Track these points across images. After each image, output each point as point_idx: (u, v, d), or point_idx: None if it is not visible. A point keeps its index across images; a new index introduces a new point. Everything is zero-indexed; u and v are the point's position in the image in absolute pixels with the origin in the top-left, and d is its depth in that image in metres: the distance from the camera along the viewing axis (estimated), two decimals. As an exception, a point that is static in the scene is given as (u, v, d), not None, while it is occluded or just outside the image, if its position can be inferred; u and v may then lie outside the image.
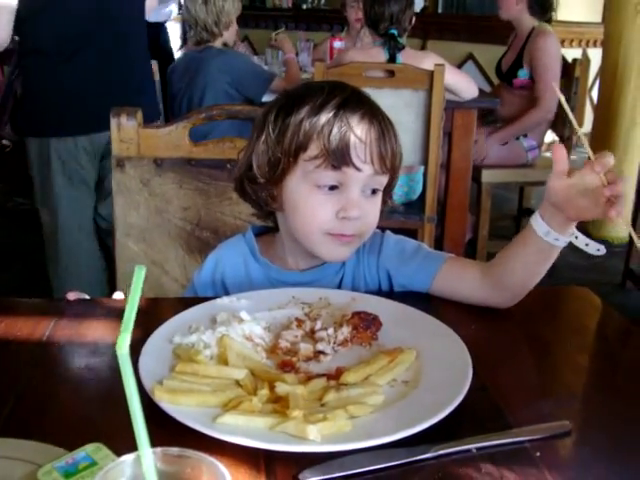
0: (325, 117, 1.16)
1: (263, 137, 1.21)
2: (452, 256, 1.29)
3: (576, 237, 1.11)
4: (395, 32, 3.28)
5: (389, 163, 1.21)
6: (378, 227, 1.33)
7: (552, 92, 3.81)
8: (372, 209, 1.23)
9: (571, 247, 1.10)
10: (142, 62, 2.86)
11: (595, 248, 1.09)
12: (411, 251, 1.30)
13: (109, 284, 3.10)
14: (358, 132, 1.16)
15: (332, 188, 1.19)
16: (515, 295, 1.20)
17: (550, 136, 4.75)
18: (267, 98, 3.35)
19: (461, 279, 1.23)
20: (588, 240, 1.10)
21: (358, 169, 1.17)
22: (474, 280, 1.21)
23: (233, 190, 1.33)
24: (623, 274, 3.82)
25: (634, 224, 3.75)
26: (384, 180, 1.23)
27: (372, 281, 1.31)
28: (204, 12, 3.39)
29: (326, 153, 1.15)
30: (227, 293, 1.25)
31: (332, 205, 1.19)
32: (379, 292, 1.28)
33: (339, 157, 1.15)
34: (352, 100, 1.20)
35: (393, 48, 3.24)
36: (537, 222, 1.12)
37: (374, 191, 1.23)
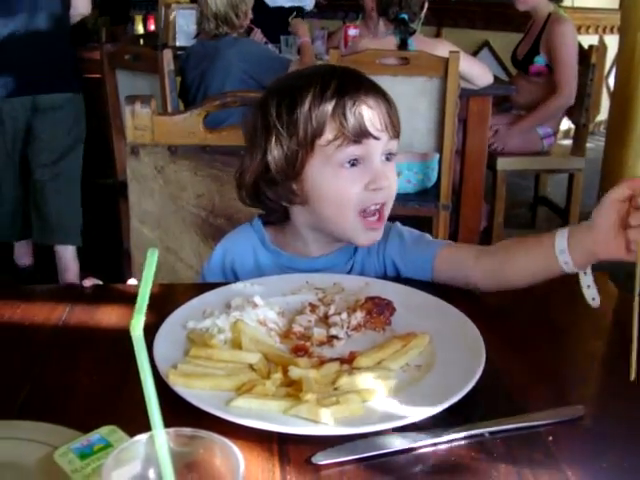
0: (333, 99, 1.18)
1: (273, 136, 1.21)
2: (451, 242, 1.31)
3: (585, 273, 1.08)
4: (405, 17, 3.26)
5: (398, 127, 1.24)
6: (391, 217, 1.34)
7: (571, 78, 3.79)
8: (392, 175, 1.25)
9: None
10: (58, 38, 3.31)
11: (591, 297, 1.07)
12: (412, 241, 1.31)
13: (123, 269, 3.17)
14: (370, 103, 1.20)
15: (353, 165, 1.21)
16: (504, 288, 1.19)
17: (566, 123, 4.72)
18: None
19: (457, 263, 1.23)
20: (592, 283, 1.06)
21: (377, 138, 1.20)
22: (469, 262, 1.21)
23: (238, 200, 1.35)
24: (639, 261, 3.79)
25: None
26: (395, 145, 1.25)
27: (380, 270, 1.32)
28: (224, 5, 3.36)
29: (344, 132, 1.17)
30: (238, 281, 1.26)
31: (360, 179, 1.21)
32: (391, 277, 1.28)
33: (358, 132, 1.18)
34: (350, 78, 1.24)
35: (404, 33, 3.23)
36: (561, 236, 1.09)
37: (388, 158, 1.25)
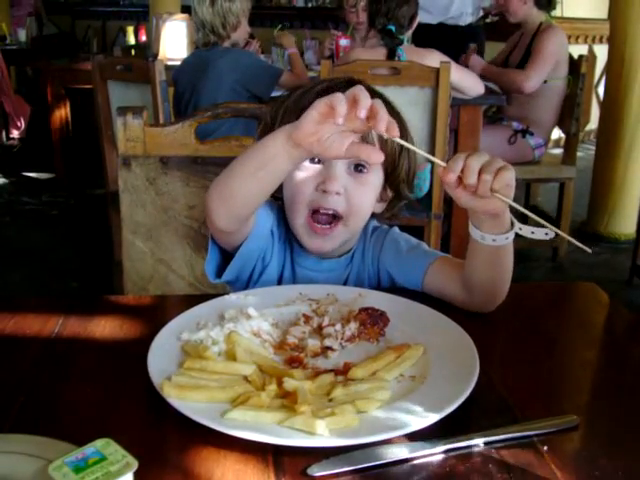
0: (310, 96, 1.19)
1: (263, 122, 1.28)
2: (446, 256, 1.30)
3: (520, 228, 1.06)
4: (392, 28, 3.28)
5: (374, 142, 1.22)
6: (388, 224, 1.35)
7: (539, 73, 3.84)
8: (357, 189, 1.25)
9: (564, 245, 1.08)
10: None
11: (543, 232, 1.02)
12: (407, 248, 1.31)
13: (115, 280, 3.18)
14: None
15: (317, 162, 1.23)
16: (488, 299, 1.18)
17: (556, 132, 4.74)
18: (275, 94, 3.36)
19: (447, 280, 1.22)
20: (533, 228, 1.04)
21: None
22: (458, 282, 1.20)
23: None
24: (630, 270, 3.81)
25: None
26: None
27: (374, 276, 1.33)
28: (211, 14, 3.37)
29: None
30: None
31: (314, 178, 1.24)
32: (384, 288, 1.28)
33: None
34: (340, 84, 1.23)
35: (391, 43, 3.25)
36: (472, 229, 1.11)
37: (360, 170, 1.25)
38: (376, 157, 0.96)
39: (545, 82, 3.93)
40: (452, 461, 0.80)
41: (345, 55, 3.58)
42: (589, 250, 0.98)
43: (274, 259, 1.33)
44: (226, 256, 1.27)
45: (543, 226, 1.01)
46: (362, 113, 0.92)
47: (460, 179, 0.99)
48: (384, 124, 0.92)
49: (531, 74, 3.83)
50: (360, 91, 0.93)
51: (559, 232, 0.99)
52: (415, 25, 3.44)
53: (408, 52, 3.25)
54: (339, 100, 0.92)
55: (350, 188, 1.24)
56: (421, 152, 1.05)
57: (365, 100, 0.92)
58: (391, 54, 3.24)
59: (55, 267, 3.89)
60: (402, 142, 0.99)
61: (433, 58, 3.06)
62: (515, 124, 4.00)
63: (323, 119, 0.94)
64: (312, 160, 1.23)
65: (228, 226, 1.17)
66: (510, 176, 1.00)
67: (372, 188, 1.28)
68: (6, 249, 4.19)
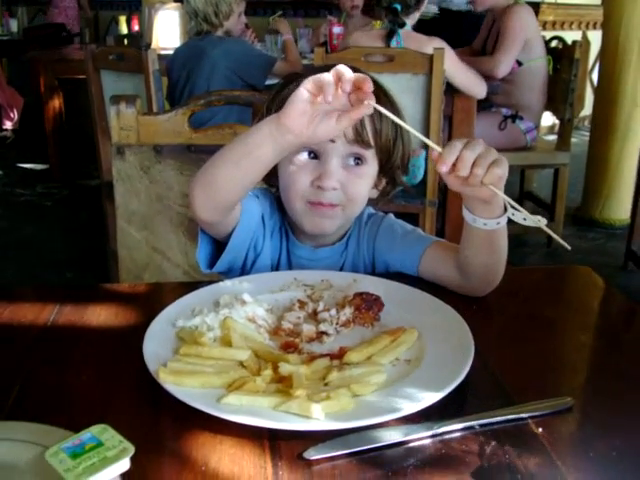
0: None
1: (260, 115, 1.25)
2: (441, 240, 1.30)
3: (512, 214, 1.05)
4: (398, 7, 3.26)
5: (368, 138, 1.23)
6: (383, 211, 1.35)
7: (507, 57, 3.77)
8: (354, 180, 1.25)
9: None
10: None
11: (535, 220, 1.02)
12: (402, 234, 1.31)
13: (110, 269, 3.18)
14: None
15: (313, 157, 1.23)
16: (482, 283, 1.18)
17: (550, 119, 4.74)
18: (269, 82, 3.35)
19: (442, 264, 1.22)
20: (525, 214, 1.03)
21: (331, 140, 1.20)
22: (453, 266, 1.20)
23: None
24: (625, 256, 3.82)
25: (635, 207, 3.74)
26: (366, 153, 1.25)
27: (369, 263, 1.33)
28: (203, 2, 3.37)
29: None
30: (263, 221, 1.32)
31: (310, 173, 1.23)
32: (379, 273, 1.28)
33: None
34: None
35: (393, 23, 3.23)
36: (465, 212, 1.12)
37: (357, 162, 1.25)
38: (367, 108, 0.94)
39: (521, 65, 3.90)
40: (447, 444, 0.80)
41: (343, 40, 3.57)
42: (568, 247, 0.99)
43: (266, 247, 1.32)
44: (218, 244, 1.27)
45: (533, 214, 1.01)
46: (347, 86, 0.93)
47: (453, 165, 0.99)
48: (369, 84, 0.93)
49: (500, 58, 3.77)
50: (342, 67, 0.94)
51: (544, 227, 0.99)
52: (423, 8, 3.41)
53: (407, 39, 3.22)
54: (326, 78, 0.93)
55: (346, 181, 1.24)
56: (419, 135, 1.04)
57: (348, 74, 0.93)
58: (389, 35, 3.21)
59: (50, 258, 3.88)
60: (398, 121, 0.99)
61: (433, 46, 3.04)
62: (504, 110, 3.99)
63: (313, 98, 0.95)
64: (309, 154, 1.23)
65: (210, 216, 1.17)
66: (502, 171, 1.00)
67: (368, 178, 1.28)
68: (0, 240, 4.18)
